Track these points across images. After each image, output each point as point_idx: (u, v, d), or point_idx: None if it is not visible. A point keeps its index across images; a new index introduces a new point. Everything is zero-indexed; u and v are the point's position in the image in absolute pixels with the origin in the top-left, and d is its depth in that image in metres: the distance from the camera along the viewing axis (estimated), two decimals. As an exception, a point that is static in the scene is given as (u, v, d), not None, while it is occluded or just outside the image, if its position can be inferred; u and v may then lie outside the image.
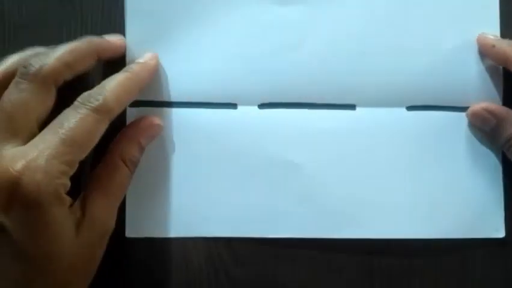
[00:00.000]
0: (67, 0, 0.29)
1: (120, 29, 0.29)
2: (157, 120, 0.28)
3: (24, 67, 0.24)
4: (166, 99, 0.29)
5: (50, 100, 0.25)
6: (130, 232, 0.27)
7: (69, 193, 0.24)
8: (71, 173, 0.24)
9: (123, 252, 0.28)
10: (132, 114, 0.29)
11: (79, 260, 0.24)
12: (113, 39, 0.28)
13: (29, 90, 0.24)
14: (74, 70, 0.26)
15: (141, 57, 0.28)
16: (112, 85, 0.25)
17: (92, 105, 0.24)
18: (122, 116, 0.28)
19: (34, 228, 0.23)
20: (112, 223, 0.26)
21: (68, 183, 0.24)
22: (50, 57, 0.25)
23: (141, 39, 0.29)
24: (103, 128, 0.25)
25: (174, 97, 0.29)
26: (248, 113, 0.29)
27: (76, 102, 0.24)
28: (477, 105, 0.28)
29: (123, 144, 0.27)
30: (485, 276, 0.29)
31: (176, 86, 0.29)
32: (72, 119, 0.24)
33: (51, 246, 0.23)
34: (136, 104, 0.28)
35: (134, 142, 0.27)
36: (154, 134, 0.28)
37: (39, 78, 0.24)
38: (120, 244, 0.26)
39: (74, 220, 0.24)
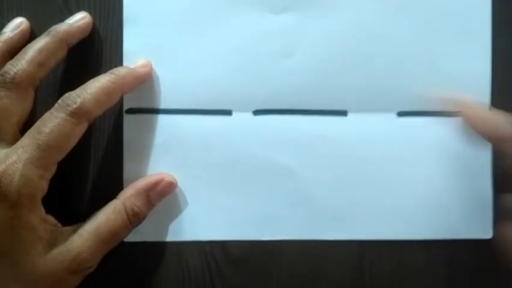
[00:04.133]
0: (66, 9, 0.29)
1: (117, 37, 0.29)
2: (168, 177, 0.28)
3: (1, 75, 0.26)
4: (162, 106, 0.29)
5: (29, 102, 0.27)
6: (128, 236, 0.28)
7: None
8: (49, 175, 0.25)
9: (121, 256, 0.29)
10: (129, 120, 0.29)
11: (44, 284, 0.25)
12: (79, 22, 0.28)
13: (8, 97, 0.26)
14: (48, 67, 0.27)
15: (133, 63, 0.29)
16: (93, 87, 0.26)
17: (70, 108, 0.25)
18: (119, 122, 0.29)
19: (8, 230, 0.24)
20: (90, 264, 0.26)
21: (45, 187, 0.25)
22: (22, 61, 0.26)
23: (138, 47, 0.29)
24: (80, 130, 0.25)
25: (170, 104, 0.29)
26: (243, 119, 0.29)
27: (56, 105, 0.25)
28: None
29: (130, 193, 0.27)
30: (473, 276, 0.30)
31: (173, 93, 0.29)
32: (49, 123, 0.25)
33: (21, 254, 0.24)
34: (133, 111, 0.29)
35: (142, 193, 0.27)
36: (164, 191, 0.28)
37: (16, 85, 0.26)
38: (118, 248, 0.27)
39: (48, 233, 0.25)
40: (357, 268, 0.30)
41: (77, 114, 0.25)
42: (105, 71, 0.27)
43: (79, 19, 0.28)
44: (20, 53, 0.26)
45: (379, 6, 0.29)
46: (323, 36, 0.29)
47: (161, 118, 0.29)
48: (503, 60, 0.30)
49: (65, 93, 0.26)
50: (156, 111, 0.29)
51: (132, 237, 0.28)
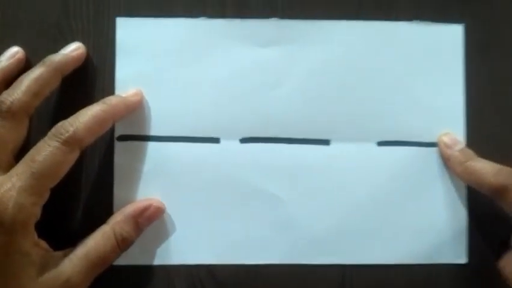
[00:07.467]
0: (61, 38, 0.30)
1: (110, 67, 0.30)
2: (156, 203, 0.29)
3: None
4: (152, 133, 0.30)
5: (23, 130, 0.27)
6: (117, 260, 0.28)
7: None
8: (42, 201, 0.26)
9: (110, 280, 0.29)
10: (120, 148, 0.30)
11: None
12: (73, 53, 0.29)
13: (4, 126, 0.26)
14: (43, 96, 0.28)
15: (125, 92, 0.29)
16: (85, 116, 0.26)
17: (63, 137, 0.26)
18: (110, 149, 0.30)
19: (1, 255, 0.24)
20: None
21: (38, 213, 0.25)
22: (17, 91, 0.27)
23: (130, 76, 0.30)
24: (73, 157, 0.26)
25: (160, 131, 0.30)
26: (230, 147, 0.30)
27: (49, 133, 0.26)
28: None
29: (119, 218, 0.28)
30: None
31: (162, 121, 0.30)
32: (42, 152, 0.25)
33: (14, 279, 0.25)
34: (124, 138, 0.30)
35: (130, 219, 0.28)
36: (152, 216, 0.29)
37: (11, 114, 0.26)
38: (107, 271, 0.27)
39: (39, 257, 0.25)
40: (339, 291, 0.30)
41: (69, 142, 0.26)
42: (98, 100, 0.28)
43: (73, 49, 0.29)
44: (16, 82, 0.27)
45: (361, 42, 0.31)
46: (307, 68, 0.31)
47: (152, 145, 0.30)
48: (476, 90, 0.31)
49: (58, 121, 0.26)
50: (146, 138, 0.30)
51: (121, 261, 0.28)
